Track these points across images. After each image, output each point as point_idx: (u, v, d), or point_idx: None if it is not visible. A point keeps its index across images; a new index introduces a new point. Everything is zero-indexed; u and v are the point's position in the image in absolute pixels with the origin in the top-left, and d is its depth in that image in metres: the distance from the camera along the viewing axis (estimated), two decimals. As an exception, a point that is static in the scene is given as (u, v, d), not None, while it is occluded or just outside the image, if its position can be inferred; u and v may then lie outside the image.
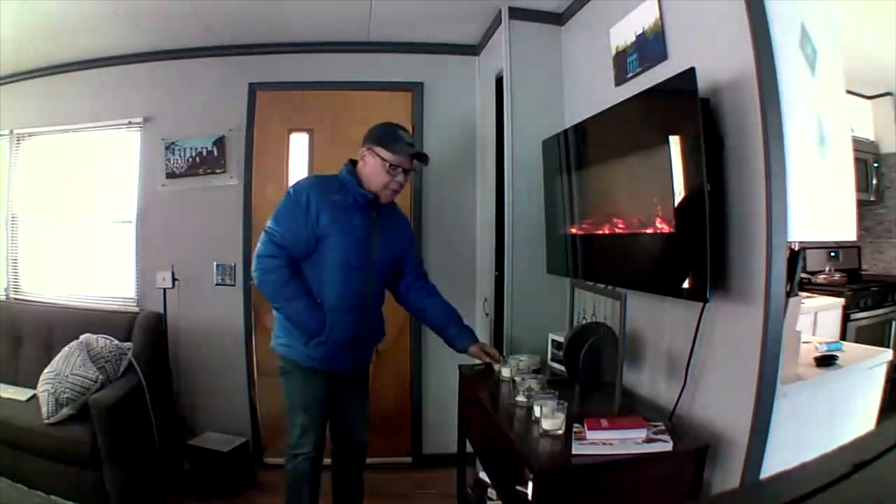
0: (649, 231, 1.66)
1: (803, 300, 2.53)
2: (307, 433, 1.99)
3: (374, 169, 1.94)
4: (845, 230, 1.83)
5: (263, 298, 2.08)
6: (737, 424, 1.48)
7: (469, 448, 2.27)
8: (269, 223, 1.92)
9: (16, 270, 3.40)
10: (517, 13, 2.55)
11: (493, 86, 2.81)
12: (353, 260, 1.93)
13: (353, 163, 2.02)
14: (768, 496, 0.51)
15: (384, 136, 1.95)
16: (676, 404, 1.68)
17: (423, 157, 2.01)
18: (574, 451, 1.45)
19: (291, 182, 3.27)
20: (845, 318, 3.04)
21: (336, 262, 1.91)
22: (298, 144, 3.15)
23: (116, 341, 2.68)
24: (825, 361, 1.80)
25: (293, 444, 2.01)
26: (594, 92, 2.28)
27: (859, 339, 2.92)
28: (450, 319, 2.16)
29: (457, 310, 2.20)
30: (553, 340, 2.28)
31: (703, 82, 1.45)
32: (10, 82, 3.31)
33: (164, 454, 2.72)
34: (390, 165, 1.92)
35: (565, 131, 2.24)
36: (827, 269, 3.58)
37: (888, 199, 3.72)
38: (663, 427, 1.54)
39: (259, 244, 1.91)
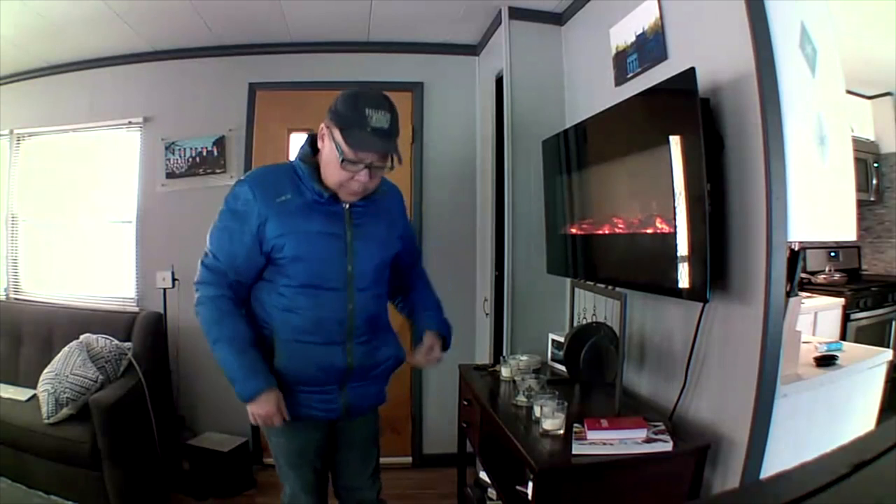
0: (649, 231, 1.66)
1: (803, 300, 2.53)
2: (297, 496, 1.57)
3: (327, 158, 1.38)
4: (845, 230, 1.83)
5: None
6: (737, 424, 1.48)
7: (469, 448, 2.27)
8: (207, 238, 1.48)
9: (16, 270, 3.40)
10: (517, 13, 2.55)
11: (493, 86, 2.81)
12: (317, 278, 1.43)
13: (314, 140, 1.46)
14: (768, 496, 0.51)
15: (345, 113, 1.34)
16: (676, 404, 1.68)
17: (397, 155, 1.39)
18: (574, 451, 1.45)
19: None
20: (845, 318, 3.03)
21: (296, 282, 1.42)
22: (298, 144, 3.14)
23: (116, 341, 2.68)
24: (825, 361, 1.80)
25: None
26: (594, 92, 2.28)
27: (859, 339, 2.91)
28: (433, 305, 1.66)
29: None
30: (553, 340, 2.28)
31: (703, 82, 1.45)
32: (10, 82, 3.31)
33: (164, 454, 2.72)
34: (344, 160, 1.34)
35: (565, 131, 2.24)
36: (827, 269, 3.58)
37: (888, 199, 3.72)
38: (663, 427, 1.54)
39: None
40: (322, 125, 1.40)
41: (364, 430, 1.65)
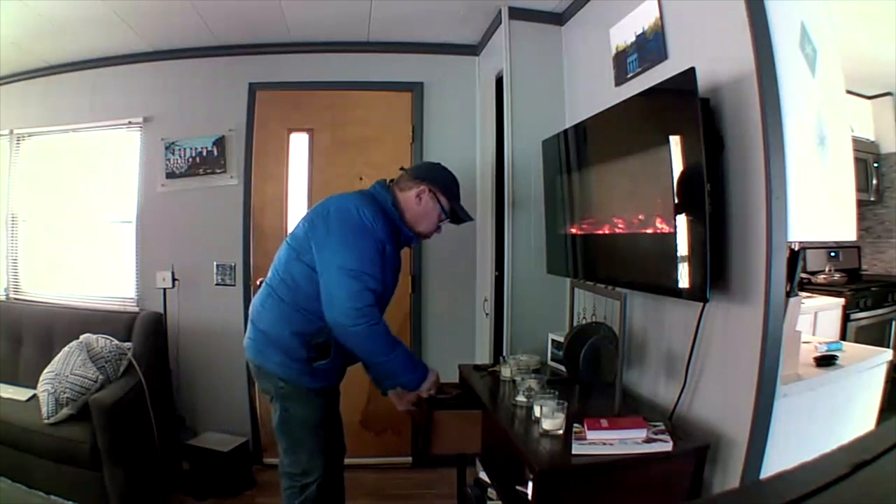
0: (649, 231, 1.66)
1: (803, 300, 2.53)
2: (318, 456, 1.84)
3: (429, 213, 1.89)
4: (845, 230, 1.83)
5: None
6: (737, 424, 1.48)
7: (469, 448, 2.27)
8: (351, 262, 1.70)
9: (16, 270, 3.40)
10: (517, 13, 2.55)
11: (493, 86, 2.81)
12: (388, 295, 1.89)
13: (385, 186, 1.90)
14: (768, 496, 0.51)
15: (453, 188, 1.92)
16: (676, 404, 1.68)
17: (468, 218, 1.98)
18: (574, 451, 1.44)
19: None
20: (845, 318, 3.04)
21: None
22: (298, 144, 3.15)
23: (116, 341, 2.68)
24: (825, 361, 1.80)
25: (302, 472, 1.83)
26: (594, 92, 2.28)
27: (859, 339, 2.92)
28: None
29: None
30: (553, 340, 2.28)
31: (703, 82, 1.45)
32: (10, 82, 3.31)
33: (164, 454, 2.72)
34: (446, 218, 1.92)
35: (565, 131, 2.24)
36: (827, 269, 3.58)
37: (888, 199, 3.72)
38: (663, 427, 1.54)
39: (348, 289, 1.69)
40: (421, 188, 1.87)
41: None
